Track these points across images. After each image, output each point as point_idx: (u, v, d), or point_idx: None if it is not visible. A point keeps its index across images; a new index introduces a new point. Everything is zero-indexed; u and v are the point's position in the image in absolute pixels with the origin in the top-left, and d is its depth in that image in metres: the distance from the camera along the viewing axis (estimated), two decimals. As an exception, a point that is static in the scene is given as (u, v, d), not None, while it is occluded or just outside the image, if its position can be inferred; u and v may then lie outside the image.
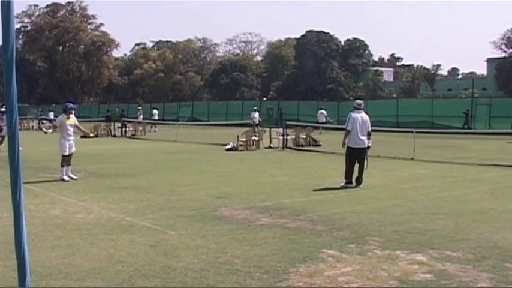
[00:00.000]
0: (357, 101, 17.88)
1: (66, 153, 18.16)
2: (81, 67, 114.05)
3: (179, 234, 10.10)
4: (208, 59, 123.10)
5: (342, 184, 16.43)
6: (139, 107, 64.10)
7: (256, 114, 49.18)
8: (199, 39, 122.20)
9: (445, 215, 11.94)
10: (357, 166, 16.69)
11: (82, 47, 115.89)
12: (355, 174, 16.61)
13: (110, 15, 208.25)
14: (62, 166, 18.05)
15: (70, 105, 19.23)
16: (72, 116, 18.65)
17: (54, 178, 18.08)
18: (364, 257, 8.61)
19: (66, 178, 17.82)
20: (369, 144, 16.97)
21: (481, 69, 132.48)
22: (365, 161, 16.77)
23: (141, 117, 57.85)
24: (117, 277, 7.62)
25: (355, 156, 16.67)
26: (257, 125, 44.45)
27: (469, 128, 47.93)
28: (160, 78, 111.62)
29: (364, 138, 16.69)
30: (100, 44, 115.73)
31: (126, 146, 34.62)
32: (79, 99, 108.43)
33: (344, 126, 17.14)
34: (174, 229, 10.54)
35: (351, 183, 16.48)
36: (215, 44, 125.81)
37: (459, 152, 29.02)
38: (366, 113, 17.25)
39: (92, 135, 19.87)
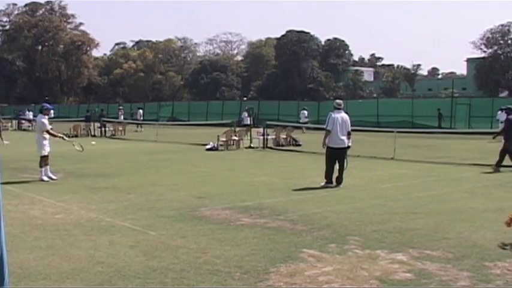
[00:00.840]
0: (337, 100, 17.90)
1: (46, 153, 18.08)
2: (60, 67, 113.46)
3: (159, 235, 10.06)
4: (188, 59, 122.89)
5: (323, 184, 16.45)
6: (120, 107, 63.86)
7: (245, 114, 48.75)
8: (179, 39, 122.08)
9: (425, 215, 11.98)
10: (337, 166, 16.71)
11: (61, 46, 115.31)
12: (335, 174, 16.63)
13: (89, 14, 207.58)
14: (41, 166, 17.95)
15: (47, 105, 19.16)
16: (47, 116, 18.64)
17: (33, 179, 17.97)
18: (345, 256, 8.62)
19: (45, 178, 17.72)
20: (349, 144, 16.98)
21: (461, 69, 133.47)
22: (345, 160, 16.81)
23: (122, 117, 57.56)
24: (97, 278, 7.59)
25: (336, 156, 16.68)
26: (249, 125, 43.92)
27: (440, 128, 48.11)
28: (140, 78, 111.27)
29: (344, 138, 16.70)
30: (80, 43, 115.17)
31: (106, 146, 34.43)
32: (58, 99, 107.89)
33: (324, 126, 17.14)
34: (154, 229, 10.50)
35: (331, 183, 16.50)
36: (195, 43, 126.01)
37: (439, 151, 29.15)
38: (346, 112, 17.27)
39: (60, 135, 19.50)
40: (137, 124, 54.64)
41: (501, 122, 38.14)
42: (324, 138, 16.95)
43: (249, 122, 46.79)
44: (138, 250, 9.00)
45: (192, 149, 31.64)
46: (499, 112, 38.88)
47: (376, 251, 8.86)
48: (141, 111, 61.25)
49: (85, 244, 9.41)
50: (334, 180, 16.53)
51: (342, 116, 16.84)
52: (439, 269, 7.93)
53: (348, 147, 16.95)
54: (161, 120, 66.35)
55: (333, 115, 16.72)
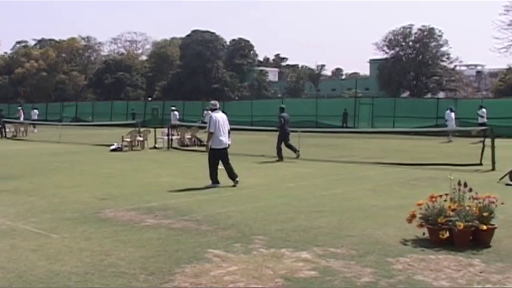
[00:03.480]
0: (213, 101, 17.89)
1: None
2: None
3: (62, 238, 9.90)
4: (92, 58, 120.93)
5: (209, 184, 16.45)
6: (19, 107, 62.26)
7: (175, 114, 47.32)
8: (83, 38, 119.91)
9: (328, 213, 12.16)
10: (220, 166, 16.77)
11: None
12: (221, 175, 16.66)
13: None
14: None
15: None
16: None
17: None
18: (250, 255, 8.66)
19: None
20: (229, 143, 17.08)
21: (364, 70, 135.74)
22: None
23: (22, 117, 56.14)
24: (-3, 283, 7.41)
25: (219, 157, 16.75)
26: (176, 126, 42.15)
27: (346, 127, 48.93)
28: (42, 77, 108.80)
29: (225, 138, 16.83)
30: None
31: (6, 148, 33.68)
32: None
33: (207, 129, 17.03)
34: (57, 232, 10.32)
35: (218, 182, 16.53)
36: (99, 42, 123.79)
37: (343, 150, 29.60)
38: (223, 111, 17.36)
39: None
40: (33, 124, 53.33)
41: (446, 120, 39.39)
42: (208, 140, 17.03)
43: (177, 122, 45.38)
44: (41, 254, 8.83)
45: (96, 149, 31.23)
46: (447, 112, 39.67)
47: (281, 250, 8.94)
48: (36, 111, 59.64)
49: (-16, 249, 9.17)
50: (227, 180, 16.58)
51: (222, 115, 17.04)
52: (343, 266, 8.06)
53: (228, 145, 17.05)
54: (64, 120, 65.22)
55: (213, 116, 16.76)
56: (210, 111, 17.28)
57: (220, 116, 16.89)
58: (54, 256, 8.69)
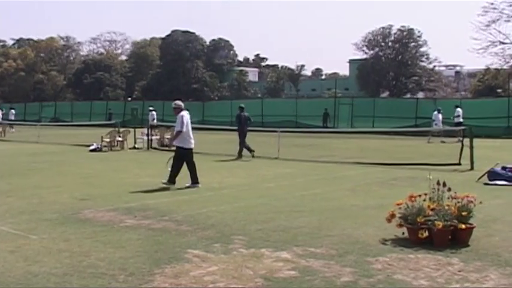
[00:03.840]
0: (178, 102, 17.62)
1: None
2: None
3: (41, 239, 9.83)
4: (71, 58, 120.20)
5: (165, 185, 16.26)
6: (-3, 107, 61.82)
7: (153, 114, 46.71)
8: (62, 38, 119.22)
9: (308, 213, 12.17)
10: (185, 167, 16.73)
11: None
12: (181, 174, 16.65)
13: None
14: None
15: None
16: None
17: None
18: (230, 256, 8.66)
19: None
20: None
21: (344, 70, 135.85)
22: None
23: (1, 117, 55.66)
24: (-26, 285, 7.35)
25: (188, 157, 16.73)
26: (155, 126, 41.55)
27: (327, 127, 49.06)
28: (21, 77, 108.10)
29: (192, 138, 16.88)
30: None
31: (-15, 148, 33.41)
32: None
33: (176, 127, 16.82)
34: (35, 233, 10.25)
35: (175, 183, 16.38)
36: (78, 42, 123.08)
37: (322, 150, 29.65)
38: (187, 111, 17.45)
39: None
40: (10, 124, 52.89)
41: (433, 120, 39.52)
42: (175, 138, 17.06)
43: (155, 123, 44.72)
44: (19, 255, 8.77)
45: (75, 150, 31.08)
46: (435, 113, 39.74)
47: (260, 250, 8.94)
48: (13, 111, 59.19)
49: (-38, 250, 9.10)
50: (191, 180, 16.56)
51: (189, 116, 17.02)
52: (322, 265, 8.08)
53: None
54: (43, 120, 64.81)
55: (185, 116, 16.66)
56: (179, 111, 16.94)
57: (189, 116, 16.91)
58: (32, 257, 8.63)
